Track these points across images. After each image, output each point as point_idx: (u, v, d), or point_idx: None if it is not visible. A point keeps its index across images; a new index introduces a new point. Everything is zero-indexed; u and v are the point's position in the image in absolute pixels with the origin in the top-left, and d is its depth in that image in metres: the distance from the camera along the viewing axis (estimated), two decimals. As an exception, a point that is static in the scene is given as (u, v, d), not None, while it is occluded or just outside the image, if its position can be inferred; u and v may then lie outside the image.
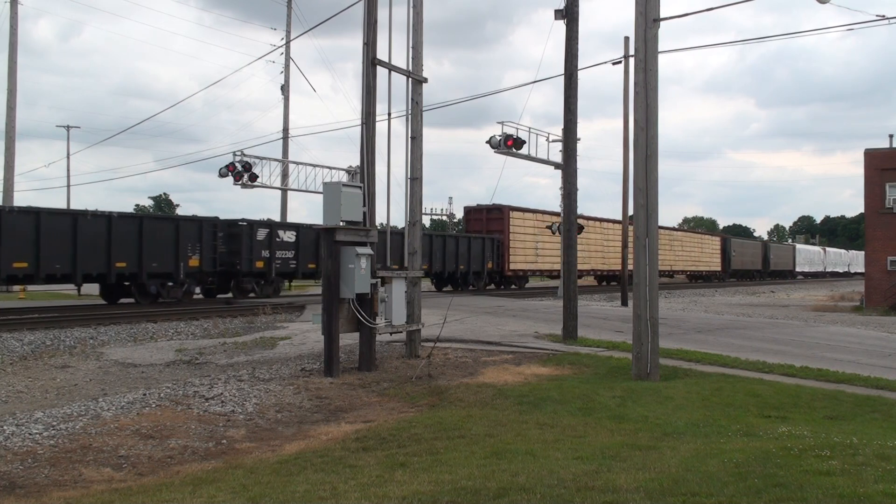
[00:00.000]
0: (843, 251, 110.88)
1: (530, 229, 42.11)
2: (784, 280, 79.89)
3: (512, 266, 40.63)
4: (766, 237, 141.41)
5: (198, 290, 28.58)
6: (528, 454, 6.54)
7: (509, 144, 22.65)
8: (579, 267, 43.17)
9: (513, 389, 10.21)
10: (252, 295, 28.63)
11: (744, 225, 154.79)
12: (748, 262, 73.70)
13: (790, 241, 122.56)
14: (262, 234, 28.27)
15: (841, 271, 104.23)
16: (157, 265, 24.94)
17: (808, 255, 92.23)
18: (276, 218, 45.52)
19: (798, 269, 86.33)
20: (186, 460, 7.37)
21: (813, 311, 31.94)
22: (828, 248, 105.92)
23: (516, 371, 11.96)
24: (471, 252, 38.36)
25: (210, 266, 26.70)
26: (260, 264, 28.27)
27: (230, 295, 28.69)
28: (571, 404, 9.23)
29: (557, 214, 43.27)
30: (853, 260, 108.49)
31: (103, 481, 6.64)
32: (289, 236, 29.56)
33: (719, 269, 67.46)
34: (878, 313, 29.23)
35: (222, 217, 28.14)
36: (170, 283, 25.86)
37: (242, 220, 28.10)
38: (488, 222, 40.78)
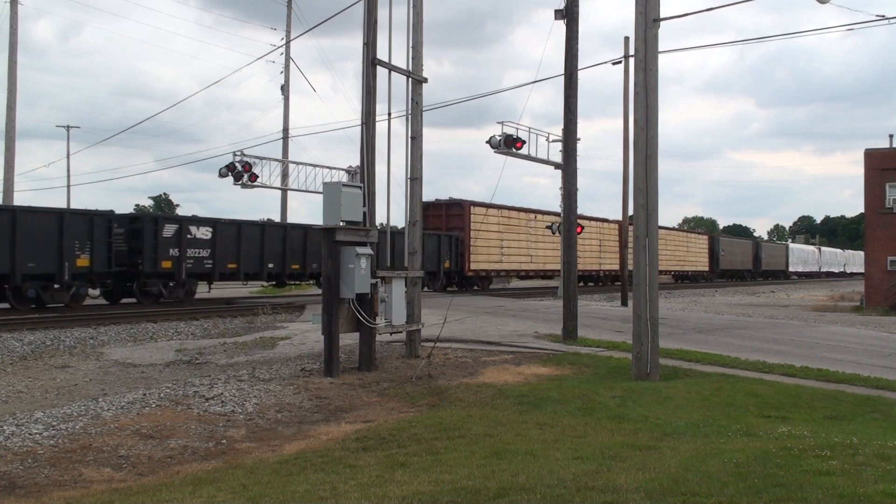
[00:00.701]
0: (838, 251, 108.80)
1: (494, 226, 38.86)
2: (777, 280, 77.55)
3: (473, 266, 37.55)
4: (766, 237, 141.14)
5: (96, 292, 25.52)
6: (528, 454, 6.54)
7: (509, 144, 22.65)
8: (532, 267, 41.61)
9: (513, 389, 10.21)
10: (162, 299, 25.65)
11: (744, 225, 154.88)
12: (738, 261, 71.26)
13: (790, 241, 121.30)
14: (169, 230, 25.22)
15: (836, 271, 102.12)
16: (36, 265, 21.62)
17: (802, 255, 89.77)
18: (276, 218, 45.56)
19: (791, 269, 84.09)
20: (186, 460, 7.37)
21: (813, 311, 31.95)
22: (823, 248, 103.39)
23: (516, 371, 11.96)
24: (424, 250, 34.60)
25: (104, 266, 23.42)
26: (167, 264, 24.99)
27: (134, 300, 25.63)
28: (571, 404, 9.23)
29: (527, 211, 42.01)
30: (849, 260, 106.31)
31: (103, 481, 6.64)
32: (203, 233, 26.31)
33: (706, 268, 64.83)
34: (878, 313, 29.23)
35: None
36: (55, 286, 22.53)
37: (146, 214, 25.10)
38: (448, 219, 37.46)
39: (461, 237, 37.25)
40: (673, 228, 62.71)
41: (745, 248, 75.66)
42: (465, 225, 37.39)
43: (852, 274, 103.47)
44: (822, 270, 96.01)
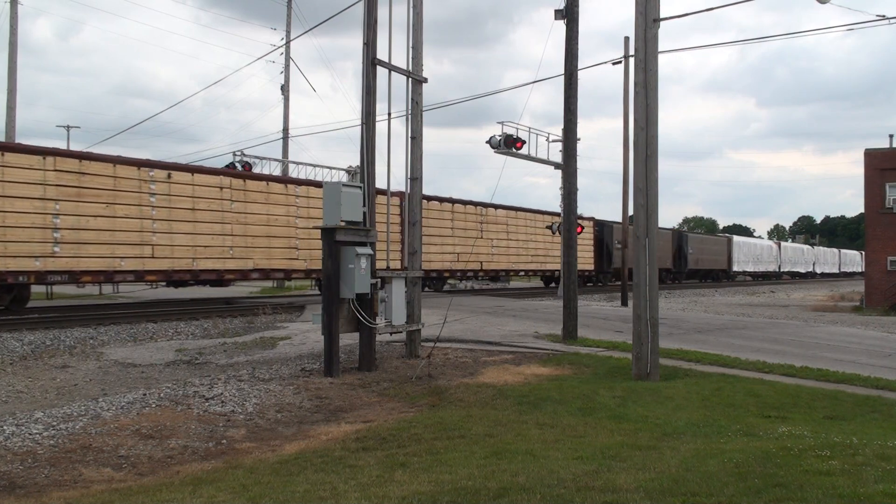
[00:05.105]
0: (805, 247, 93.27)
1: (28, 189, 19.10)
2: (717, 283, 61.96)
3: None
4: (766, 237, 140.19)
5: None
6: (528, 454, 6.54)
7: (509, 144, 22.66)
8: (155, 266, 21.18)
9: (513, 389, 10.21)
10: None
11: (744, 225, 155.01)
12: None
13: (790, 241, 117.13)
14: None
15: (803, 271, 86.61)
16: None
17: (753, 251, 73.32)
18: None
19: (736, 269, 68.27)
20: (186, 460, 7.37)
21: (812, 311, 31.94)
22: (783, 244, 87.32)
23: (516, 371, 11.96)
24: None
25: None
26: None
27: None
28: (571, 404, 9.23)
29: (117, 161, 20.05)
30: (819, 258, 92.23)
31: (103, 481, 6.64)
32: None
33: (592, 267, 45.28)
34: (878, 313, 29.21)
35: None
36: None
37: None
38: None
39: None
40: (530, 210, 41.22)
41: (660, 240, 57.04)
42: None
43: (820, 275, 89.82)
44: (781, 270, 79.84)
